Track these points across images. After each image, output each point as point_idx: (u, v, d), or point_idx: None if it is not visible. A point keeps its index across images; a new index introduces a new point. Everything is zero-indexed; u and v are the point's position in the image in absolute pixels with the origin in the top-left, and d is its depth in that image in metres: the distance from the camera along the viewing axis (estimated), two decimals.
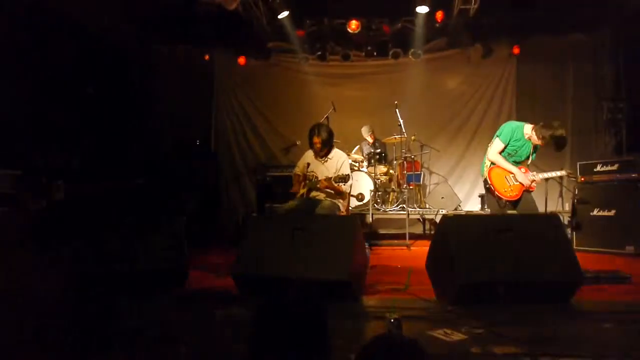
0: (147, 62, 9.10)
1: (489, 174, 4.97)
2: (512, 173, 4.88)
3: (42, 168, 5.03)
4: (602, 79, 8.59)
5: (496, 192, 4.92)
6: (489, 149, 5.10)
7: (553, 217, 3.92)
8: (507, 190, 4.90)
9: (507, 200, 4.94)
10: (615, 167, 6.31)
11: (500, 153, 4.96)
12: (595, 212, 6.31)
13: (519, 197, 4.88)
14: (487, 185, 4.99)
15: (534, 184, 4.88)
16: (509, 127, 4.97)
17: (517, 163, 4.96)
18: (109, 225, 4.17)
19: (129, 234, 4.08)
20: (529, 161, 5.03)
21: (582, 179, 6.63)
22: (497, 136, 4.99)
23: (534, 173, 4.95)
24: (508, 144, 4.93)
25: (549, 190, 7.33)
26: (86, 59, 7.26)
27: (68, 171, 5.31)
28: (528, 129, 4.88)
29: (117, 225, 4.19)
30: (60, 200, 5.12)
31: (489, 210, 5.29)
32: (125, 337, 2.72)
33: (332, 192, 5.28)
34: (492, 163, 5.00)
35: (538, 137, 4.78)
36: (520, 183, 4.85)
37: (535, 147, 4.99)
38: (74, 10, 6.83)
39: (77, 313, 1.45)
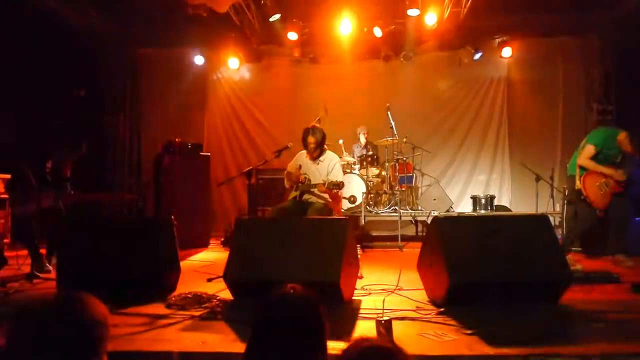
0: (138, 65, 9.09)
1: (583, 184, 4.98)
2: (607, 176, 4.92)
3: (32, 174, 4.98)
4: (591, 81, 8.66)
5: (592, 203, 4.95)
6: (578, 155, 5.14)
7: (543, 218, 3.95)
8: (600, 200, 4.93)
9: (600, 209, 4.97)
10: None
11: (590, 158, 5.01)
12: None
13: (609, 203, 4.91)
14: (582, 197, 4.96)
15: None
16: (603, 134, 5.05)
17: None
18: (98, 231, 4.15)
19: (119, 239, 4.06)
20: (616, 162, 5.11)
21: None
22: (590, 142, 5.04)
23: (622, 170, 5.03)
24: (600, 151, 4.97)
25: (539, 191, 7.38)
26: (74, 62, 7.22)
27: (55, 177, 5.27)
28: (622, 135, 4.98)
29: (107, 230, 4.17)
30: (50, 207, 5.08)
31: (580, 216, 5.25)
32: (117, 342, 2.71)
33: (326, 195, 5.30)
34: (583, 169, 5.02)
35: (630, 145, 4.90)
36: (615, 184, 4.91)
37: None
38: (60, 13, 6.81)
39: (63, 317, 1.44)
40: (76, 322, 1.42)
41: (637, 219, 5.96)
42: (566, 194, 6.67)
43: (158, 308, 3.52)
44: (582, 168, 5.01)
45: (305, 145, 5.48)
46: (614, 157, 5.03)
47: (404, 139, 8.04)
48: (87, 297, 1.49)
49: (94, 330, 1.45)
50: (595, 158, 4.97)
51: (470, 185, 9.14)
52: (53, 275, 4.67)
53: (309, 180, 5.39)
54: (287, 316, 1.59)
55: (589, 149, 4.98)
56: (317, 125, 6.06)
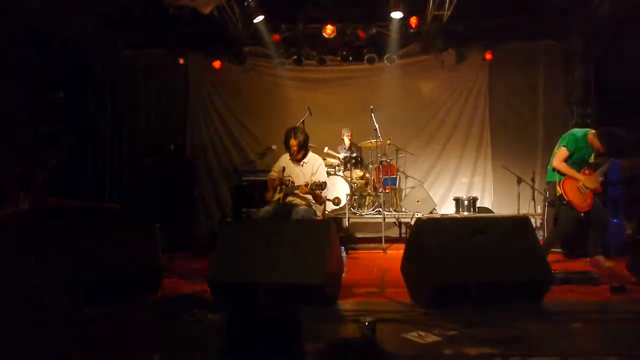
0: (119, 67, 8.99)
1: (563, 188, 5.00)
2: (579, 181, 4.96)
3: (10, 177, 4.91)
4: (572, 85, 8.79)
5: (575, 206, 4.96)
6: (552, 157, 5.17)
7: (524, 220, 4.00)
8: (582, 202, 4.95)
9: (584, 212, 4.99)
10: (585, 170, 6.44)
11: (564, 161, 5.04)
12: None
13: (591, 205, 4.94)
14: (565, 201, 4.99)
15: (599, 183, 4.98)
16: (573, 136, 5.06)
17: (580, 167, 5.04)
18: (79, 234, 4.09)
19: (101, 240, 4.01)
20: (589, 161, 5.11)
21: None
22: (563, 145, 5.05)
23: (597, 172, 5.03)
24: (573, 153, 5.01)
25: (521, 193, 7.48)
26: (55, 64, 7.11)
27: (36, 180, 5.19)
28: (591, 135, 5.00)
29: (89, 232, 4.11)
30: (28, 210, 4.99)
31: (561, 221, 5.19)
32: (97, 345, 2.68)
33: (310, 197, 5.29)
34: (559, 172, 5.05)
35: (599, 143, 4.90)
36: (589, 190, 4.92)
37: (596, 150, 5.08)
38: (41, 15, 6.70)
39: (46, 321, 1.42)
40: None
41: (614, 221, 6.06)
42: (547, 196, 6.77)
43: (140, 310, 3.49)
44: (559, 173, 5.07)
45: (288, 147, 5.47)
46: (587, 158, 5.08)
47: (388, 141, 8.08)
48: None
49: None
50: (569, 160, 5.03)
51: (454, 187, 9.20)
52: None
53: (293, 182, 5.38)
54: (260, 320, 1.58)
55: (562, 152, 5.05)
56: (300, 126, 6.07)
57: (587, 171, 5.02)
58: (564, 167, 5.02)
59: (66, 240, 4.03)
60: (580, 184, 4.95)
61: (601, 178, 5.05)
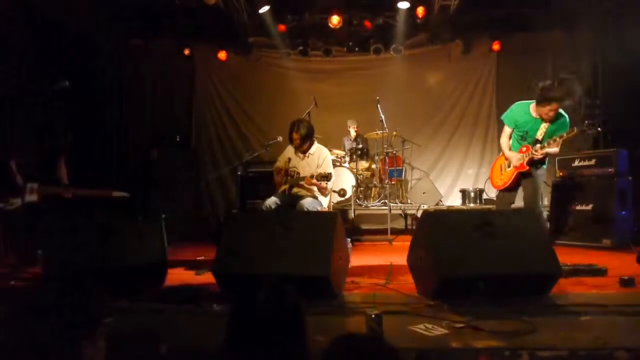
0: (125, 57, 8.97)
1: (492, 165, 4.94)
2: (508, 160, 4.85)
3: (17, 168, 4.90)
4: (579, 75, 8.71)
5: (493, 185, 4.89)
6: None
7: (532, 212, 3.96)
8: (498, 180, 4.85)
9: (501, 190, 4.90)
10: (592, 162, 6.41)
11: (509, 137, 4.92)
12: (573, 207, 6.39)
13: (510, 184, 4.80)
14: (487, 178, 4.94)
15: (525, 160, 4.72)
16: (510, 111, 4.91)
17: (522, 141, 4.86)
18: (85, 225, 4.08)
19: (106, 231, 4.00)
20: (543, 141, 4.75)
21: (561, 173, 6.72)
22: (503, 121, 4.99)
23: (536, 148, 4.70)
24: (515, 127, 4.87)
25: None
26: (60, 54, 7.10)
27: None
28: (532, 107, 4.78)
29: (94, 223, 4.11)
30: (34, 202, 4.99)
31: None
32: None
33: (315, 188, 5.27)
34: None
35: (541, 112, 4.65)
36: (513, 167, 4.79)
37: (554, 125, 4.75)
38: (47, 5, 6.68)
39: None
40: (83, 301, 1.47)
41: (622, 212, 6.01)
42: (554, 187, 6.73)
43: (145, 302, 3.48)
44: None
45: (291, 141, 5.45)
46: (532, 132, 4.78)
47: (394, 132, 8.05)
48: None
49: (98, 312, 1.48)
50: (515, 135, 4.88)
51: (460, 178, 9.17)
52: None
53: (298, 173, 5.36)
54: (262, 312, 1.57)
55: (504, 129, 4.98)
56: (305, 118, 6.03)
57: (523, 148, 4.83)
58: (501, 143, 4.98)
59: (72, 232, 4.03)
60: (506, 161, 4.89)
61: (535, 155, 4.73)
